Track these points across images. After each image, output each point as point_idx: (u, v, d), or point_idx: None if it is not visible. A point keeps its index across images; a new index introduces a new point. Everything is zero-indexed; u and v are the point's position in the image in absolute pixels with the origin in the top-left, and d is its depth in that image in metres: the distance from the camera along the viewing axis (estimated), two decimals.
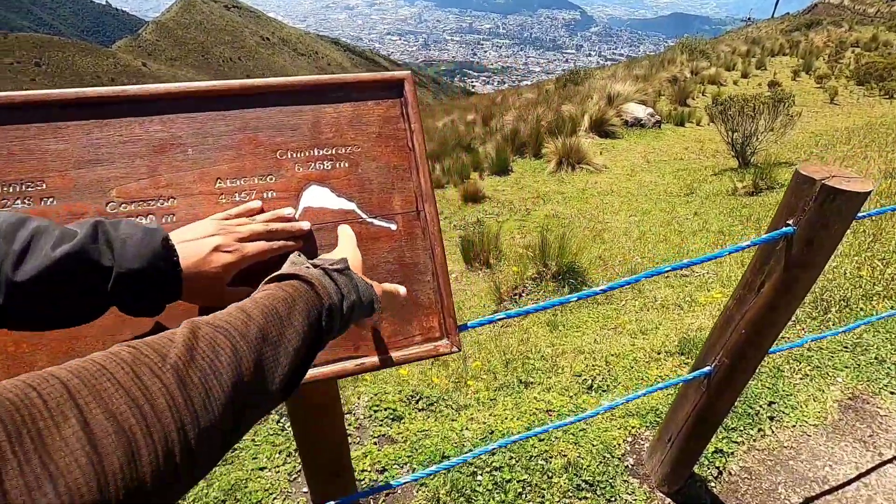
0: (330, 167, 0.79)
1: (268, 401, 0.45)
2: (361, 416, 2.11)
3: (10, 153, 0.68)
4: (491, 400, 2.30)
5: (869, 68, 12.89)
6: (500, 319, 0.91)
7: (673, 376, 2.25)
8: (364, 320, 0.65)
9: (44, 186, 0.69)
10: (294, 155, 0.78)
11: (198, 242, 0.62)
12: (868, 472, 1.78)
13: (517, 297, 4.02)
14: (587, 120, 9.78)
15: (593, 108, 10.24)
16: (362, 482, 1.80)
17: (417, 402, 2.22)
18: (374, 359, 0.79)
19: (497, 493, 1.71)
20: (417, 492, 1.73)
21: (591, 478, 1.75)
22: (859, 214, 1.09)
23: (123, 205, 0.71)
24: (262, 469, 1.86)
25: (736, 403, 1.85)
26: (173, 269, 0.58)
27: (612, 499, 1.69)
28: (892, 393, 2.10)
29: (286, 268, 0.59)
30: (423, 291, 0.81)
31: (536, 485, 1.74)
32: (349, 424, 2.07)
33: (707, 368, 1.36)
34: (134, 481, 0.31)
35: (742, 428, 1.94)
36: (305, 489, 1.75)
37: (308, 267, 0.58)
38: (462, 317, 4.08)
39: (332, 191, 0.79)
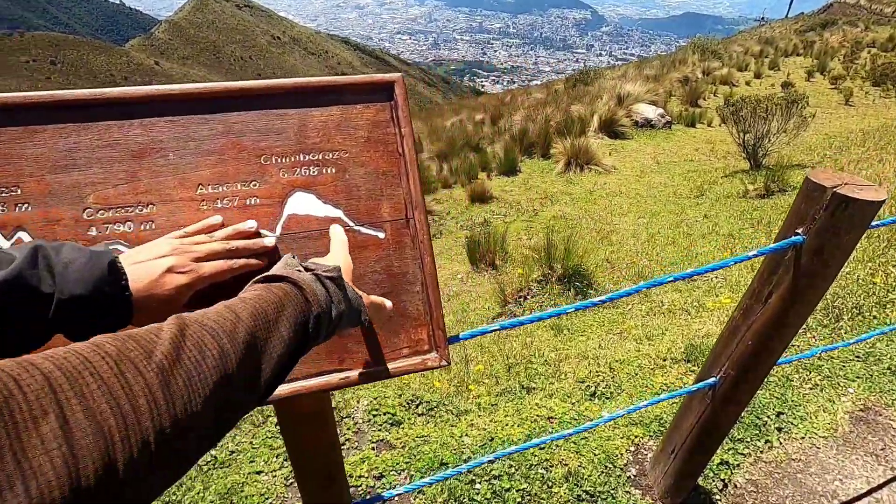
0: (316, 173, 0.76)
1: (248, 404, 0.45)
2: (360, 420, 2.09)
3: None
4: (492, 405, 2.26)
5: (885, 69, 12.64)
6: (493, 331, 0.88)
7: (678, 384, 2.21)
8: (348, 329, 0.65)
9: (19, 192, 0.67)
10: (279, 160, 0.75)
11: (149, 264, 0.59)
12: (880, 486, 1.72)
13: (522, 299, 3.98)
14: (596, 120, 9.69)
15: (603, 109, 10.14)
16: (359, 488, 1.77)
17: (417, 406, 2.20)
18: (359, 372, 0.76)
19: (496, 502, 1.67)
20: (415, 499, 1.71)
21: (592, 488, 1.71)
22: (873, 223, 1.05)
23: (101, 211, 0.69)
24: (258, 473, 1.84)
25: (743, 414, 1.81)
26: (121, 293, 0.55)
27: None
28: None
29: (278, 268, 0.58)
30: (411, 302, 0.78)
31: (536, 494, 1.70)
32: (348, 428, 2.05)
33: (712, 380, 1.32)
34: (108, 485, 0.30)
35: (749, 439, 1.89)
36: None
37: (300, 270, 0.57)
38: (466, 318, 4.05)
39: (318, 197, 0.76)
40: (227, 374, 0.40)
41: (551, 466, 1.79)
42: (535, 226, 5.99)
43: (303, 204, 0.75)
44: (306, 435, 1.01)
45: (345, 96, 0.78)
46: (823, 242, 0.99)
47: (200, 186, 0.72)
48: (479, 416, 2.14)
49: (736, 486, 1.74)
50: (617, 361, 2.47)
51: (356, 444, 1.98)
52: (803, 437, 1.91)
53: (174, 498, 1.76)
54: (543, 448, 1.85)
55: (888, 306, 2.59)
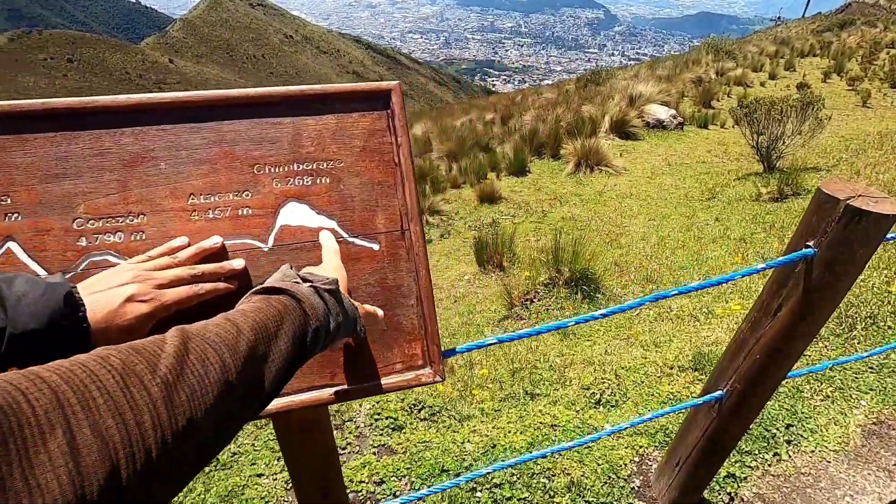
0: (310, 183, 0.75)
1: (247, 416, 0.46)
2: (362, 425, 2.08)
3: None
4: (495, 411, 2.24)
5: None
6: (490, 345, 0.86)
7: (685, 394, 2.17)
8: (343, 339, 0.65)
9: (8, 201, 0.66)
10: (272, 170, 0.74)
11: (109, 293, 0.57)
12: (892, 503, 1.67)
13: (528, 302, 3.95)
14: (607, 121, 9.60)
15: (614, 109, 10.04)
16: (359, 493, 1.76)
17: (420, 410, 2.18)
18: (350, 388, 0.74)
19: None
20: None
21: (594, 499, 1.68)
22: (888, 236, 1.01)
23: (91, 221, 0.68)
24: (259, 476, 1.84)
25: (750, 425, 1.77)
26: (78, 325, 0.54)
27: None
28: None
29: (276, 280, 0.58)
30: (406, 316, 0.77)
31: None
32: (349, 432, 2.04)
33: (718, 393, 1.29)
34: (111, 501, 0.31)
35: (757, 451, 1.85)
36: None
37: (298, 282, 0.57)
38: (472, 321, 4.03)
39: (312, 208, 0.75)
40: (228, 387, 0.41)
41: (554, 475, 1.77)
42: (544, 227, 5.95)
43: (296, 214, 0.74)
44: (302, 443, 1.00)
45: (340, 104, 0.76)
46: (835, 256, 0.96)
47: (192, 196, 0.71)
48: (481, 421, 2.12)
49: (743, 499, 1.70)
50: (623, 368, 2.43)
51: (357, 448, 1.97)
52: (813, 451, 1.86)
53: (175, 499, 1.76)
54: (546, 457, 1.83)
55: None
